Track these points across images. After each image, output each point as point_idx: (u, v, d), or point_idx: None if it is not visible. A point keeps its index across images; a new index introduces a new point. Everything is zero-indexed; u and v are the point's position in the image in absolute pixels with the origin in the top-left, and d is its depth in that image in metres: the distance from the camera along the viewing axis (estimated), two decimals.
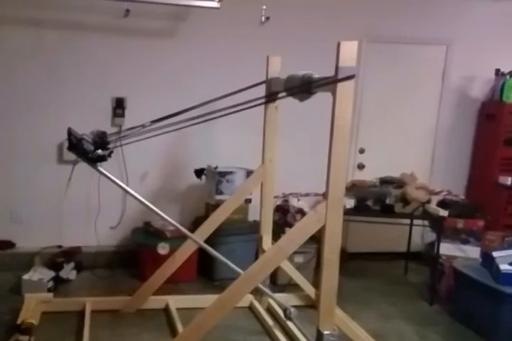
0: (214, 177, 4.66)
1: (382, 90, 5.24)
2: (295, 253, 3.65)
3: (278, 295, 3.95)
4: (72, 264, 4.54)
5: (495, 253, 3.99)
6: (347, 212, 3.51)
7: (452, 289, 4.34)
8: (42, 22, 4.53)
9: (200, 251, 4.12)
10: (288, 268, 3.95)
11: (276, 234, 4.00)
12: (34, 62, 4.58)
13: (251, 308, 4.12)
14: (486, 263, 4.09)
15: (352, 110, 2.49)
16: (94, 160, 3.03)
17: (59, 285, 4.33)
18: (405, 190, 4.48)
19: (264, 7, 4.79)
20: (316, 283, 2.88)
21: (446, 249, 4.56)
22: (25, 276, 4.18)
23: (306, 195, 5.09)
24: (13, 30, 4.51)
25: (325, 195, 2.60)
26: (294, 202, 4.86)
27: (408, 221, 5.00)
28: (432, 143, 5.49)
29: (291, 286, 4.22)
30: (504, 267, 3.80)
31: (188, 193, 5.04)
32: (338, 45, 2.38)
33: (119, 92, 4.73)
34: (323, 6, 4.95)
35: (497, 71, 5.29)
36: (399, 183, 4.63)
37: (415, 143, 5.45)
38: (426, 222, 4.91)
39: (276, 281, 4.49)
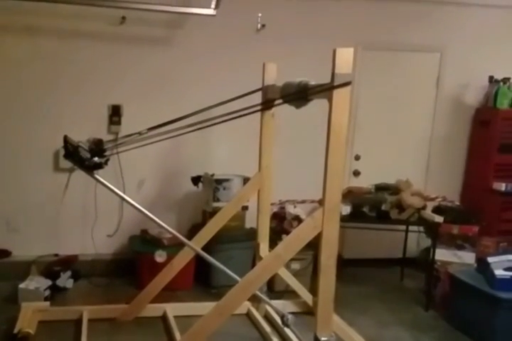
0: (211, 185, 4.67)
1: (377, 97, 5.27)
2: (292, 259, 3.64)
3: (275, 302, 3.95)
4: (68, 273, 4.52)
5: (490, 259, 4.01)
6: (343, 219, 3.54)
7: (448, 295, 4.35)
8: (38, 30, 4.55)
9: (198, 259, 4.12)
10: (285, 274, 3.96)
11: (273, 241, 4.00)
12: (30, 70, 4.59)
13: (248, 315, 4.12)
14: (481, 269, 4.10)
15: (348, 117, 2.50)
16: (90, 168, 3.03)
17: (56, 293, 4.31)
18: (401, 196, 4.50)
19: (260, 14, 4.82)
20: (313, 290, 2.90)
21: (442, 254, 4.57)
22: (22, 285, 4.17)
23: (303, 201, 5.10)
24: (9, 38, 4.52)
25: (321, 202, 2.62)
26: (291, 209, 4.86)
27: (404, 227, 5.02)
28: (427, 149, 5.52)
29: (289, 293, 4.23)
30: (499, 272, 3.83)
31: (185, 201, 5.04)
32: (334, 52, 2.40)
33: (115, 100, 4.74)
34: (318, 13, 4.99)
35: (490, 78, 5.32)
36: (394, 190, 4.65)
37: (410, 150, 5.48)
38: (421, 228, 4.92)
39: (274, 288, 4.49)
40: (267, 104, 3.51)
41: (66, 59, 4.63)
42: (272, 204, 4.39)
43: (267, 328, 3.81)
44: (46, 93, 4.64)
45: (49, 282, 4.29)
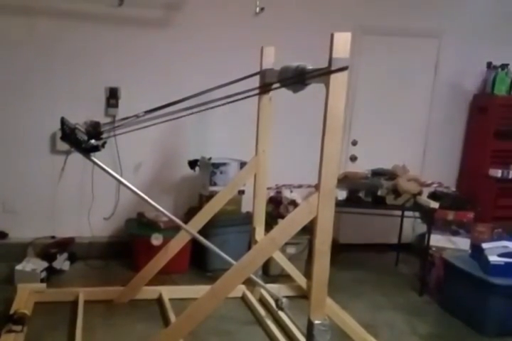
0: (208, 169, 4.67)
1: (374, 82, 5.24)
2: (287, 244, 3.68)
3: (270, 286, 3.99)
4: (65, 255, 4.54)
5: (484, 245, 4.03)
6: (339, 204, 3.54)
7: (442, 280, 4.38)
8: (34, 10, 4.47)
9: (194, 242, 4.13)
10: (280, 259, 3.98)
11: (269, 226, 4.01)
12: (26, 52, 4.55)
13: (243, 298, 4.15)
14: (475, 255, 4.13)
15: (345, 102, 2.50)
16: (87, 151, 3.01)
17: (52, 275, 4.33)
18: (397, 181, 4.51)
19: None
20: (308, 274, 2.91)
21: (437, 240, 4.59)
22: (18, 267, 4.18)
23: (299, 186, 5.11)
24: (4, 19, 4.46)
25: (317, 187, 2.62)
26: (287, 194, 4.87)
27: (399, 212, 5.04)
28: (423, 135, 5.52)
29: (283, 277, 4.25)
30: (493, 258, 3.85)
31: (182, 184, 5.05)
32: (332, 36, 2.38)
33: (112, 82, 4.71)
34: None
35: (489, 64, 5.31)
36: (391, 175, 4.66)
37: (407, 136, 5.47)
38: (417, 214, 4.93)
39: (269, 272, 4.53)
40: (264, 88, 3.50)
41: (63, 40, 4.58)
42: (269, 188, 4.40)
43: (262, 311, 3.84)
44: (43, 74, 4.60)
45: (45, 264, 4.30)
